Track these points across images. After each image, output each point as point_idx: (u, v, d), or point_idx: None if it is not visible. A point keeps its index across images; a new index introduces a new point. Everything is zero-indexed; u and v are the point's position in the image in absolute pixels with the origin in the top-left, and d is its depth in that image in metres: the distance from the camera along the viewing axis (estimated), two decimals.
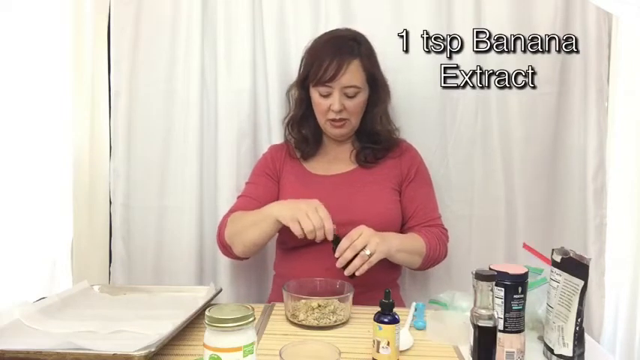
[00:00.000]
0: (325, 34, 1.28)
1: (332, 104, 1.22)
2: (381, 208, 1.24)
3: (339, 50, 1.20)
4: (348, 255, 1.07)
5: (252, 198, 1.29)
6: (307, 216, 1.07)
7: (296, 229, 1.08)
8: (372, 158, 1.31)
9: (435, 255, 1.23)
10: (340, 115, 1.24)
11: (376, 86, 1.26)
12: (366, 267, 1.07)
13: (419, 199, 1.29)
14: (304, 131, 1.34)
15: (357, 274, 1.08)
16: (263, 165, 1.37)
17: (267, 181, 1.33)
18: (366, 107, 1.28)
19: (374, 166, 1.31)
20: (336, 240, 1.10)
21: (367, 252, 1.06)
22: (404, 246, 1.17)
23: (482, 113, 1.46)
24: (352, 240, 1.07)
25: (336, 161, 1.33)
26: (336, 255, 1.08)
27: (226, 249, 1.26)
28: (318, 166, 1.34)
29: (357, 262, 1.07)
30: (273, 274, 1.38)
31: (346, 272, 1.08)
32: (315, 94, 1.25)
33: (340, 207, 1.22)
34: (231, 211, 1.29)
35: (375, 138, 1.30)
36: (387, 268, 1.22)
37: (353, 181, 1.29)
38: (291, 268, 1.26)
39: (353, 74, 1.20)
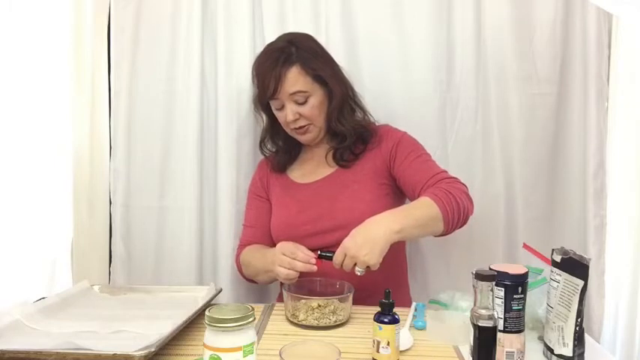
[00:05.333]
0: (265, 47, 1.27)
1: (286, 115, 1.22)
2: (364, 208, 1.17)
3: (274, 62, 1.19)
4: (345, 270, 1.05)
5: (252, 226, 1.37)
6: (278, 266, 1.10)
7: (284, 280, 1.12)
8: (349, 156, 1.27)
9: (453, 208, 1.08)
10: (299, 123, 1.24)
11: (326, 84, 1.23)
12: (374, 269, 1.04)
13: (412, 167, 1.21)
14: (280, 143, 1.36)
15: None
16: (253, 187, 1.41)
17: (260, 203, 1.38)
18: (327, 106, 1.26)
19: (354, 163, 1.27)
20: (324, 256, 1.09)
21: (358, 273, 1.03)
22: (409, 220, 1.06)
23: (483, 113, 1.46)
24: (339, 264, 1.05)
25: (318, 166, 1.32)
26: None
27: (251, 281, 1.35)
28: (301, 173, 1.34)
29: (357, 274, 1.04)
30: None
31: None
32: (272, 108, 1.27)
33: (323, 213, 1.23)
34: (241, 243, 1.38)
35: (342, 136, 1.27)
36: (392, 267, 1.20)
37: (334, 185, 1.26)
38: None
39: (294, 81, 1.19)
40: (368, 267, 1.03)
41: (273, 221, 1.32)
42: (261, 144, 1.39)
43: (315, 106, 1.22)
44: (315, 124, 1.25)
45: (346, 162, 1.27)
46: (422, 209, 1.09)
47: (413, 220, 1.07)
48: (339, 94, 1.24)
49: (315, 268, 1.08)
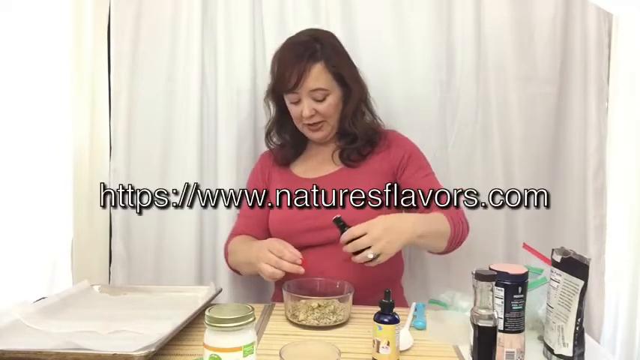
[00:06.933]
0: (287, 40, 1.26)
1: (302, 110, 1.22)
2: (366, 209, 1.20)
3: (300, 56, 1.18)
4: (350, 250, 1.04)
5: (247, 217, 1.36)
6: (264, 263, 1.09)
7: (267, 277, 1.11)
8: (356, 156, 1.28)
9: (459, 233, 1.16)
10: (314, 120, 1.24)
11: (346, 84, 1.24)
12: (372, 264, 1.04)
13: (419, 183, 1.23)
14: (286, 137, 1.36)
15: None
16: (253, 178, 1.41)
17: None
18: (342, 105, 1.26)
19: (360, 164, 1.28)
20: (339, 222, 1.06)
21: (370, 256, 1.02)
22: (429, 229, 1.10)
23: (483, 113, 1.46)
24: (353, 236, 1.03)
25: (323, 163, 1.32)
26: (341, 242, 1.05)
27: (235, 272, 1.34)
28: (304, 169, 1.34)
29: (358, 259, 1.03)
30: None
31: (353, 259, 1.04)
32: (287, 101, 1.26)
33: (326, 210, 1.22)
34: (233, 232, 1.36)
35: (352, 137, 1.27)
36: (390, 269, 1.20)
37: (337, 182, 1.26)
38: None
39: (317, 78, 1.19)
40: (373, 259, 1.02)
41: (272, 214, 1.31)
42: (267, 136, 1.38)
43: (332, 104, 1.23)
44: (329, 122, 1.25)
45: (353, 162, 1.28)
46: (439, 224, 1.13)
47: (433, 230, 1.12)
48: (357, 96, 1.25)
49: (302, 269, 1.07)
